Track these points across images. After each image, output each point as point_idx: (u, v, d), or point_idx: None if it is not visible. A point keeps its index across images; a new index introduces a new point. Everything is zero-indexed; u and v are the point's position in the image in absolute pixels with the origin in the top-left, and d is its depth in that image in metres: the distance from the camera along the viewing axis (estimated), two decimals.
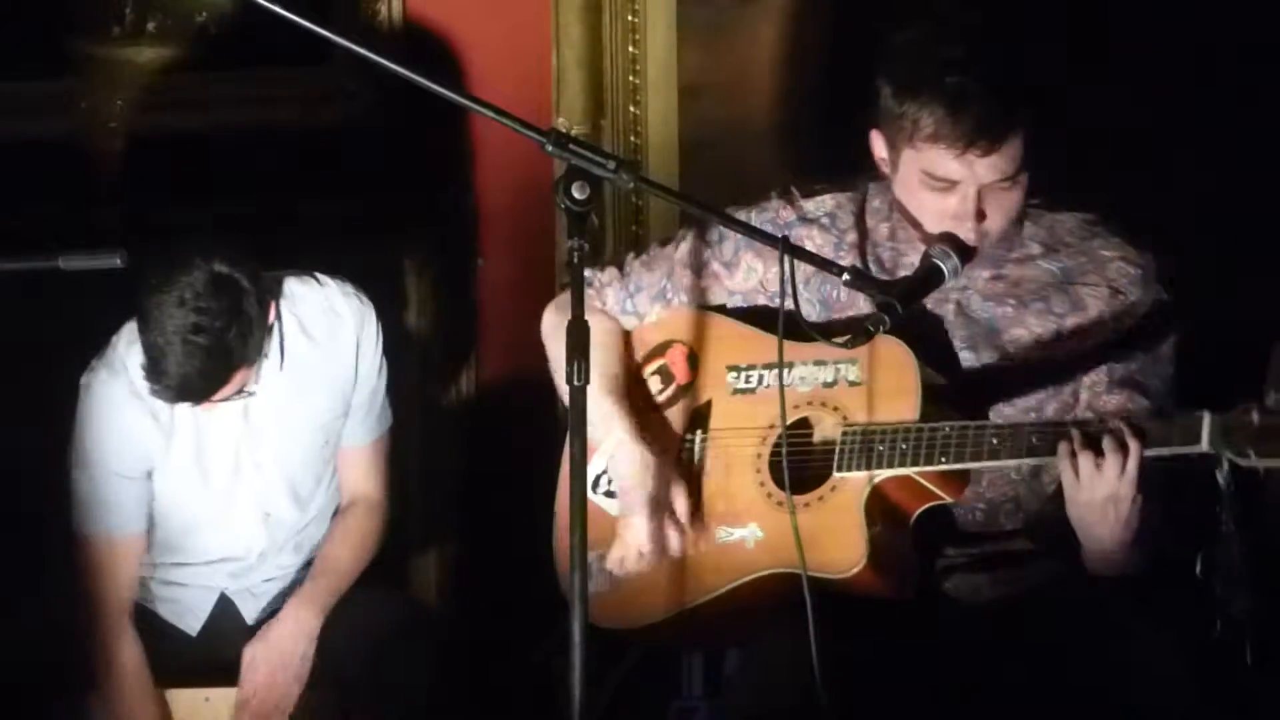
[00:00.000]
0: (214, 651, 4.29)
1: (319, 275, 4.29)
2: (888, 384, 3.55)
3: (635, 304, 3.86)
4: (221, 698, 4.25)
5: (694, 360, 3.78)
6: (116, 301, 4.14)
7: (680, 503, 3.67)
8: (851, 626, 3.45)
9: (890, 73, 3.57)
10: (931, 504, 3.56)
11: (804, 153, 4.77)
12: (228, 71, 5.07)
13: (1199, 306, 3.71)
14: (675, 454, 3.74)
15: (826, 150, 4.39)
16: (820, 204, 3.76)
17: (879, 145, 3.64)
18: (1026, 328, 3.63)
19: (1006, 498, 3.65)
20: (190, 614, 4.35)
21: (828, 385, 3.63)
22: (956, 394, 3.58)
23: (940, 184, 3.54)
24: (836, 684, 3.37)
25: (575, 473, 3.19)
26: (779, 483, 3.58)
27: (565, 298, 3.70)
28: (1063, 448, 3.39)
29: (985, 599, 3.64)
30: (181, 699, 4.29)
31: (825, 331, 3.56)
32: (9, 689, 4.18)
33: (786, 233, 3.64)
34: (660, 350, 3.82)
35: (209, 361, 3.98)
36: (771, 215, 3.76)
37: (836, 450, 3.55)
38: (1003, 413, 3.59)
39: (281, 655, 4.19)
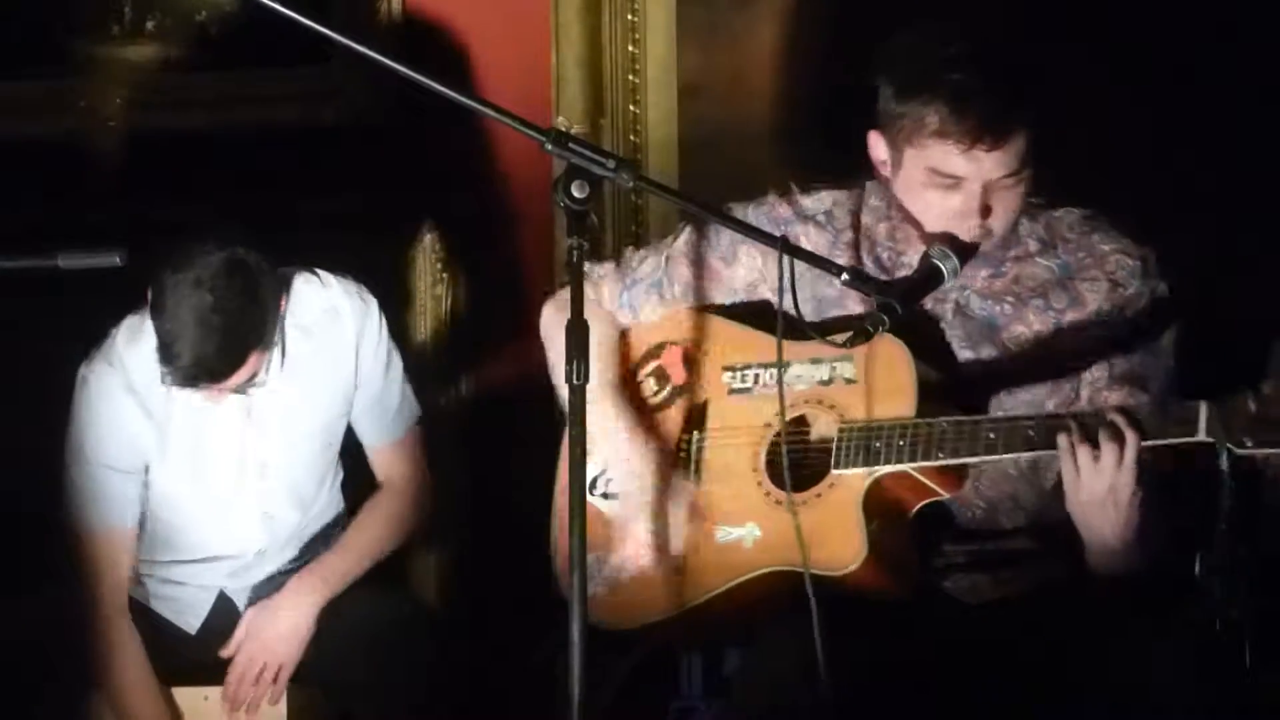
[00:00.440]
0: (213, 650, 4.28)
1: (321, 273, 4.29)
2: (884, 381, 3.55)
3: (631, 297, 3.86)
4: (221, 696, 4.25)
5: (690, 361, 3.78)
6: (116, 301, 4.14)
7: (678, 503, 3.66)
8: (851, 626, 3.45)
9: (891, 72, 3.58)
10: (930, 500, 3.56)
11: (803, 152, 4.76)
12: (228, 71, 5.07)
13: (1199, 300, 3.71)
14: (673, 455, 3.74)
15: (826, 150, 4.39)
16: (818, 201, 3.76)
17: (878, 147, 3.64)
18: (1026, 325, 3.63)
19: (1005, 495, 3.64)
20: (189, 612, 4.35)
21: (824, 383, 3.63)
22: (956, 392, 3.59)
23: (946, 181, 3.54)
24: (836, 684, 3.37)
25: (574, 473, 3.19)
26: (776, 482, 3.58)
27: (563, 295, 3.70)
28: (1061, 440, 3.40)
29: (985, 598, 3.64)
30: (181, 697, 4.28)
31: (822, 330, 3.57)
32: (9, 688, 4.18)
33: (783, 229, 3.64)
34: (656, 352, 3.82)
35: (225, 341, 3.98)
36: (768, 210, 3.76)
37: (834, 447, 3.55)
38: (1004, 409, 3.59)
39: (277, 623, 4.20)
